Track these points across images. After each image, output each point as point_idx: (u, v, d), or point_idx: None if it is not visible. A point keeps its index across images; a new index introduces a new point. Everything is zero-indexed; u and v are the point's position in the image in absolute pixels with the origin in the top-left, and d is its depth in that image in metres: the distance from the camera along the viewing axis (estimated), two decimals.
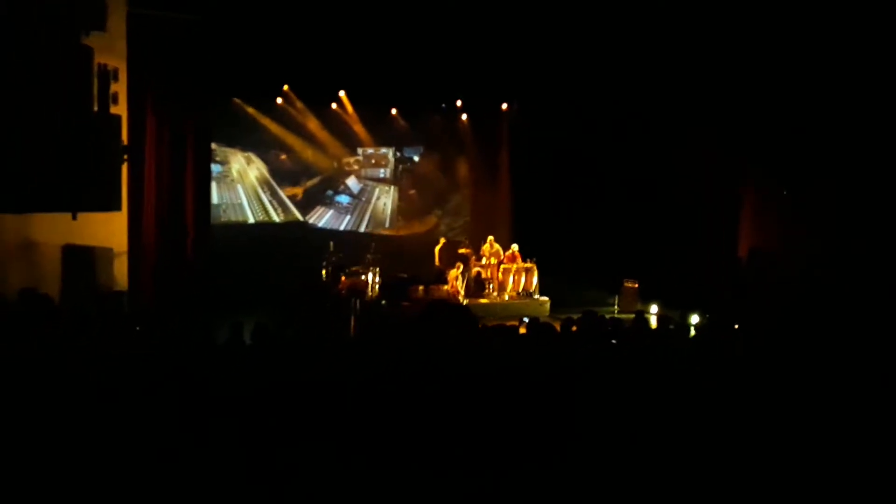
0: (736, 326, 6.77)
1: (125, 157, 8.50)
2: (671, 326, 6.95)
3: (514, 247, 13.52)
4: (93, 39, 8.31)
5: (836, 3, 10.10)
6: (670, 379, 4.82)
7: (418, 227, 15.65)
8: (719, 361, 5.40)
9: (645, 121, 12.96)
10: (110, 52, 9.33)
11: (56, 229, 8.88)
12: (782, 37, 10.91)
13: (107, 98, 8.40)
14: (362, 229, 15.43)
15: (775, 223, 12.53)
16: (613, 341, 6.01)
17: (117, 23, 9.94)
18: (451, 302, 11.71)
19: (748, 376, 4.93)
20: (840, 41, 10.19)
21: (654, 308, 12.09)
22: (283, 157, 14.61)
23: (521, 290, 13.32)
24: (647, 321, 7.27)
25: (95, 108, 7.89)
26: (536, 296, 13.28)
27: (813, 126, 11.18)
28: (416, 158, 15.83)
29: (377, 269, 12.51)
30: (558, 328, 6.50)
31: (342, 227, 15.29)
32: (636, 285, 13.00)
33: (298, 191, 14.90)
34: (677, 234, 12.81)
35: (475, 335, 3.43)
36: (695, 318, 10.05)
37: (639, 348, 5.87)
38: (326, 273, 12.44)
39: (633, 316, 7.41)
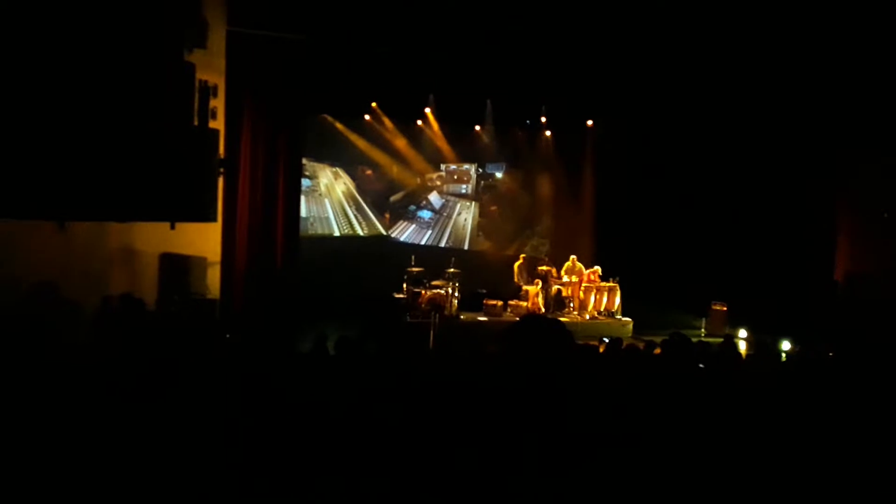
0: (831, 354, 6.47)
1: (221, 170, 8.81)
2: (762, 352, 6.70)
3: (597, 268, 13.33)
4: (194, 56, 8.71)
5: None
6: (759, 407, 4.63)
7: (498, 244, 15.62)
8: (812, 391, 5.16)
9: (734, 139, 12.59)
10: (210, 69, 9.76)
11: (155, 238, 9.30)
12: (877, 56, 10.44)
13: (206, 113, 8.73)
14: (442, 244, 15.53)
15: (875, 246, 11.94)
16: (701, 365, 5.84)
17: (217, 41, 10.40)
18: (545, 316, 11.64)
19: (843, 408, 4.68)
20: None
21: (742, 332, 11.68)
22: (369, 172, 14.90)
23: (602, 309, 13.10)
24: (735, 346, 7.02)
25: (195, 123, 8.23)
26: (619, 316, 13.04)
27: None
28: (498, 175, 15.84)
29: (456, 284, 12.56)
30: (642, 349, 6.36)
31: (423, 242, 15.43)
32: (725, 308, 12.59)
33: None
34: (769, 256, 12.35)
35: (572, 351, 3.39)
36: (786, 345, 9.65)
37: (727, 374, 5.68)
38: (407, 287, 12.58)
39: (720, 340, 7.18)
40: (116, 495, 3.52)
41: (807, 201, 12.40)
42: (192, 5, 8.91)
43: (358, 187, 14.95)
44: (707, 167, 13.00)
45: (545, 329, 2.95)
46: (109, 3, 6.71)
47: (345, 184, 14.85)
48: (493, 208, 15.83)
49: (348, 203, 14.91)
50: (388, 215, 15.20)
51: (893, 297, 11.04)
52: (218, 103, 10.06)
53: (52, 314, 6.87)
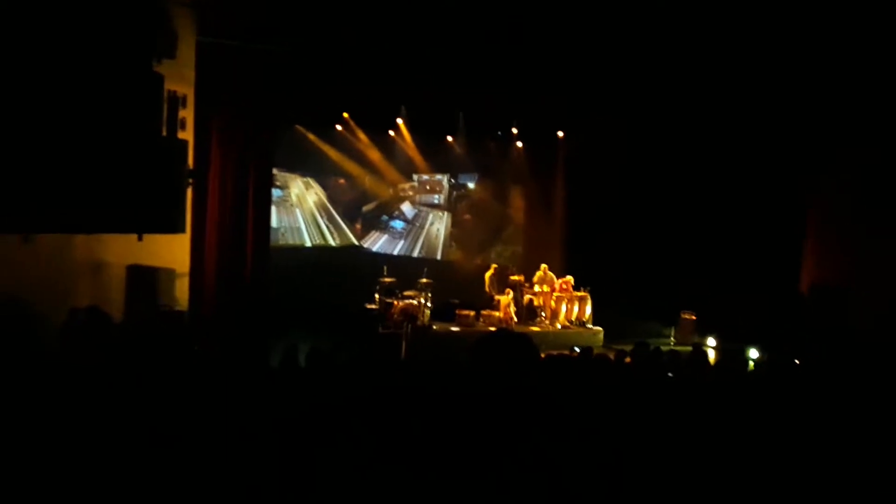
0: (797, 362, 6.57)
1: (190, 180, 8.74)
2: (730, 360, 6.79)
3: (569, 277, 13.42)
4: (163, 67, 8.64)
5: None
6: (728, 415, 4.69)
7: (471, 254, 15.66)
8: (779, 398, 5.24)
9: (703, 149, 12.78)
10: (179, 79, 9.68)
11: (122, 250, 9.17)
12: (849, 64, 10.68)
13: (175, 123, 8.68)
14: (415, 254, 15.53)
15: (841, 256, 12.19)
16: (670, 374, 5.90)
17: (186, 51, 10.32)
18: (513, 330, 11.68)
19: (811, 414, 4.77)
20: None
21: (711, 341, 11.83)
22: (341, 181, 14.87)
23: (573, 319, 13.18)
24: (705, 354, 7.10)
25: (164, 133, 8.16)
26: (590, 325, 13.13)
27: (882, 155, 10.89)
28: (470, 185, 15.91)
29: (429, 294, 12.56)
30: (612, 359, 6.40)
31: (396, 252, 15.42)
32: (694, 317, 12.75)
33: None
34: (736, 266, 12.54)
35: (538, 367, 3.41)
36: (754, 353, 9.79)
37: (696, 382, 5.75)
38: (379, 297, 12.55)
39: (690, 348, 7.26)
40: None
41: (774, 213, 12.62)
42: (160, 15, 8.84)
43: (329, 197, 14.91)
44: (676, 178, 13.17)
45: (511, 343, 2.97)
46: (76, 14, 6.64)
47: (316, 194, 14.80)
48: (466, 218, 15.88)
49: (320, 213, 14.86)
50: (359, 225, 15.16)
51: (857, 306, 11.27)
52: (187, 114, 9.97)
53: (17, 327, 6.75)
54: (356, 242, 15.13)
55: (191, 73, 10.47)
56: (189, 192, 9.19)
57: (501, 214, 15.76)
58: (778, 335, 10.47)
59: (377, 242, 15.40)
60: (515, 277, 13.45)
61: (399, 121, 14.11)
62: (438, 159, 15.16)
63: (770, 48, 10.78)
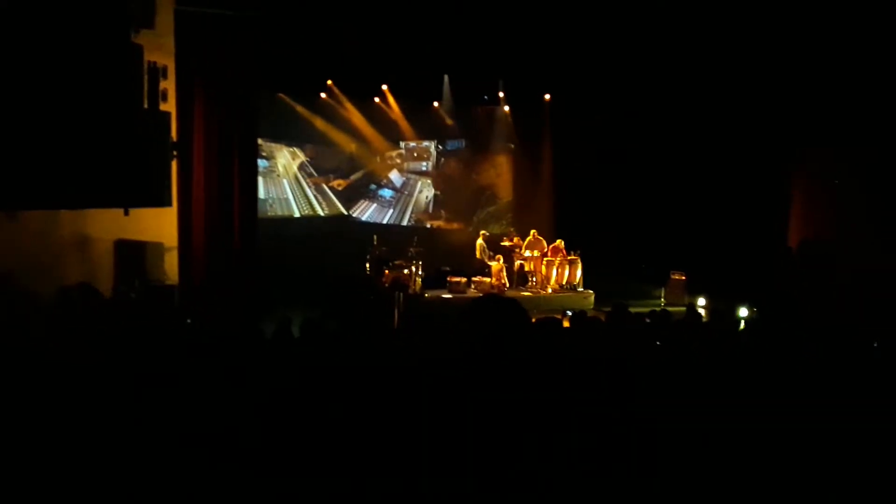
0: (786, 319, 6.61)
1: (174, 153, 8.64)
2: (718, 319, 6.82)
3: (559, 241, 13.43)
4: (142, 37, 8.48)
5: None
6: (719, 375, 4.73)
7: (460, 220, 15.64)
8: (770, 357, 5.27)
9: (691, 108, 12.73)
10: (159, 50, 9.50)
11: (109, 225, 9.12)
12: (830, 22, 10.62)
13: (156, 95, 8.54)
14: (405, 223, 15.48)
15: (828, 212, 12.24)
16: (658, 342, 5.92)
17: (165, 20, 10.13)
18: (501, 295, 11.70)
19: (801, 374, 4.80)
20: None
21: (701, 301, 11.91)
22: (327, 150, 14.73)
23: (564, 283, 13.22)
24: (699, 316, 7.13)
25: (145, 106, 8.04)
26: (580, 289, 13.18)
27: (867, 110, 10.87)
28: (458, 151, 15.80)
29: (419, 262, 12.55)
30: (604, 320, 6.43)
31: (385, 221, 15.37)
32: (683, 277, 12.81)
33: (343, 182, 15.00)
34: (724, 225, 12.57)
35: (527, 330, 3.39)
36: (743, 311, 9.86)
37: (687, 342, 5.77)
38: (370, 266, 12.52)
39: (681, 309, 7.30)
40: (76, 494, 3.46)
41: (759, 170, 12.62)
42: None
43: (316, 167, 14.78)
44: (663, 138, 13.13)
45: (499, 307, 2.95)
46: None
47: (303, 163, 14.68)
48: (454, 184, 15.80)
49: (307, 183, 14.75)
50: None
51: (845, 262, 11.35)
52: (168, 85, 9.82)
53: (4, 307, 6.70)
54: (345, 212, 15.06)
55: (170, 43, 10.29)
56: (174, 164, 9.10)
57: (490, 179, 15.70)
58: (767, 293, 10.53)
59: (366, 211, 15.33)
60: (507, 243, 13.46)
61: (384, 87, 13.95)
62: (425, 126, 15.05)
63: (760, 24, 10.72)
